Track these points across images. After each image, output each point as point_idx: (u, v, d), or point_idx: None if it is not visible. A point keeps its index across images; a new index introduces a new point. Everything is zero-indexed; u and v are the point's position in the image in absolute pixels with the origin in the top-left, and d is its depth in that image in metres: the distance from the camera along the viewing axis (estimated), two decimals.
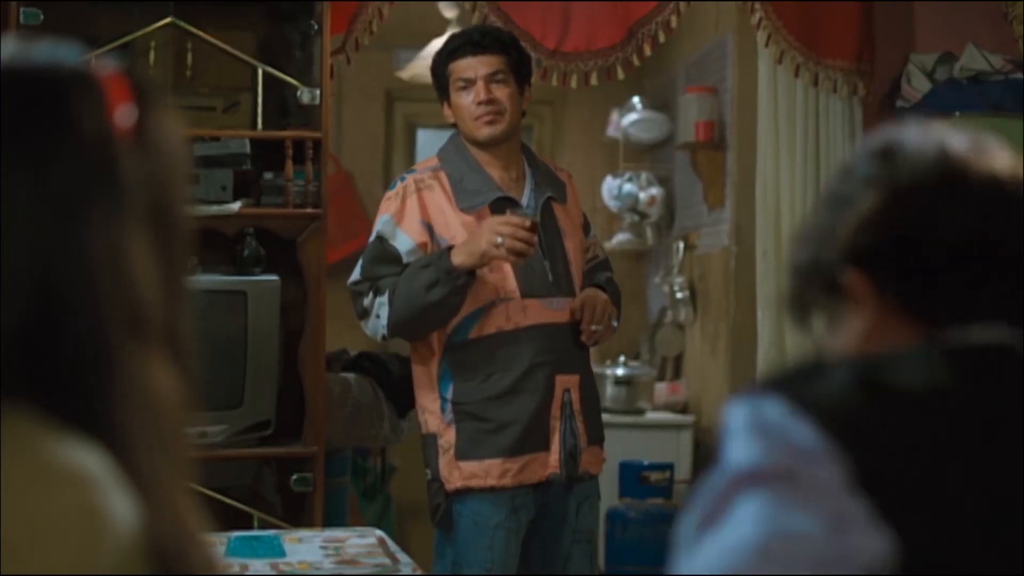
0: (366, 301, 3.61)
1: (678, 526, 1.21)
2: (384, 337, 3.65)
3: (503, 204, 3.64)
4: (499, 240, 3.46)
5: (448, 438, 3.63)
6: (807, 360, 1.32)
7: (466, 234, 3.58)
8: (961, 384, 1.30)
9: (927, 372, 1.33)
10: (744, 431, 1.22)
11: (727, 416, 1.25)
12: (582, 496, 3.72)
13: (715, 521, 1.17)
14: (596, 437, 3.74)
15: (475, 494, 3.59)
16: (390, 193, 3.72)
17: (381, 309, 3.58)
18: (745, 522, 1.14)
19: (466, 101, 3.67)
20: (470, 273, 3.52)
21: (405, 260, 3.60)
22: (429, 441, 3.69)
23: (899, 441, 1.24)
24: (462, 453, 3.61)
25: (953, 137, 1.39)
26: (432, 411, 3.67)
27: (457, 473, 3.61)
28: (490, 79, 3.66)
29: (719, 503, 1.17)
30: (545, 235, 3.68)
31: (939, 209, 1.34)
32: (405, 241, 3.62)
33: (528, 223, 3.50)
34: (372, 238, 3.68)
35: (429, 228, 3.62)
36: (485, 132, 3.66)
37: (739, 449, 1.20)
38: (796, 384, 1.26)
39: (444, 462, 3.64)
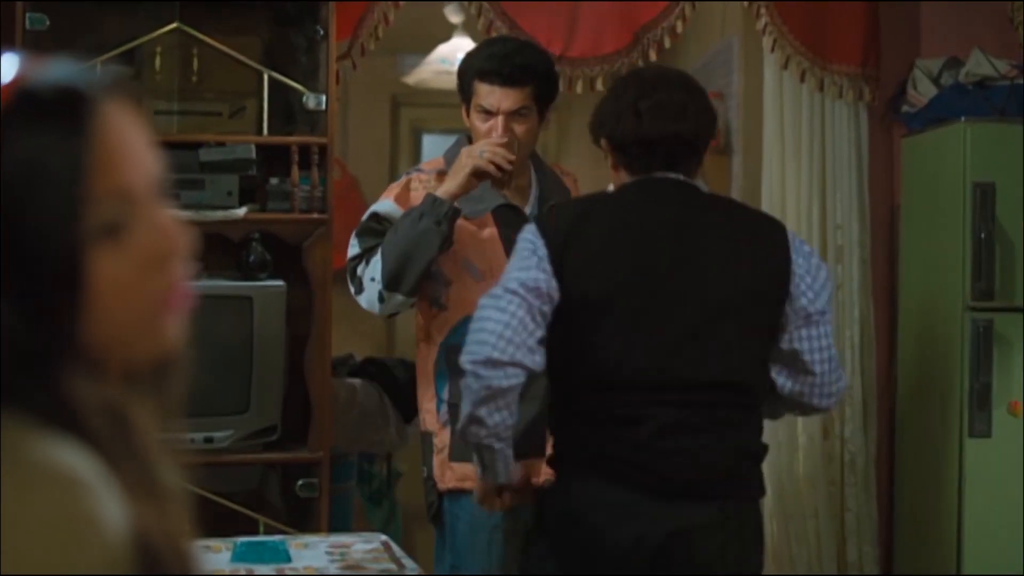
0: (359, 270, 3.58)
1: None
2: (382, 298, 3.56)
3: (506, 211, 3.65)
4: (480, 153, 3.47)
5: (443, 438, 3.64)
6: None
7: (466, 238, 3.59)
8: (623, 192, 3.15)
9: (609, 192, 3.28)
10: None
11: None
12: None
13: None
14: None
15: (470, 496, 3.59)
16: (393, 185, 3.73)
17: (375, 268, 3.54)
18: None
19: (483, 127, 3.60)
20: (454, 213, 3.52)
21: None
22: (426, 439, 3.71)
23: (562, 213, 3.11)
24: (456, 455, 3.60)
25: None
26: (428, 410, 3.69)
27: (450, 474, 3.62)
28: (512, 115, 3.58)
29: None
30: None
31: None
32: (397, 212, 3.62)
33: (504, 140, 3.52)
34: (366, 216, 3.66)
35: None
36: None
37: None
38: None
39: (437, 462, 3.65)
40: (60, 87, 1.10)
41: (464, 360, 2.95)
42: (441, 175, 3.66)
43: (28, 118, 1.08)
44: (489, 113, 3.58)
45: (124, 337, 1.11)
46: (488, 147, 3.49)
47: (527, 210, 3.69)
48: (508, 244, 3.58)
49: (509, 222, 3.62)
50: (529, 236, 3.04)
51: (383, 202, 3.66)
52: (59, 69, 1.12)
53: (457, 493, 3.62)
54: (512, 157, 3.52)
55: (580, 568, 3.01)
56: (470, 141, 3.69)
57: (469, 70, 3.63)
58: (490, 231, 3.63)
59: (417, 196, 3.62)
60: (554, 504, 3.10)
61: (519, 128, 3.60)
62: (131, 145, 1.12)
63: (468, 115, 3.67)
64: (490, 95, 3.57)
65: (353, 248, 3.64)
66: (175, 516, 1.12)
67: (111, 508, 1.01)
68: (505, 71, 3.57)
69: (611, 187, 3.29)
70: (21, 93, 1.08)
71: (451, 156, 3.71)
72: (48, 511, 0.99)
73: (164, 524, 1.09)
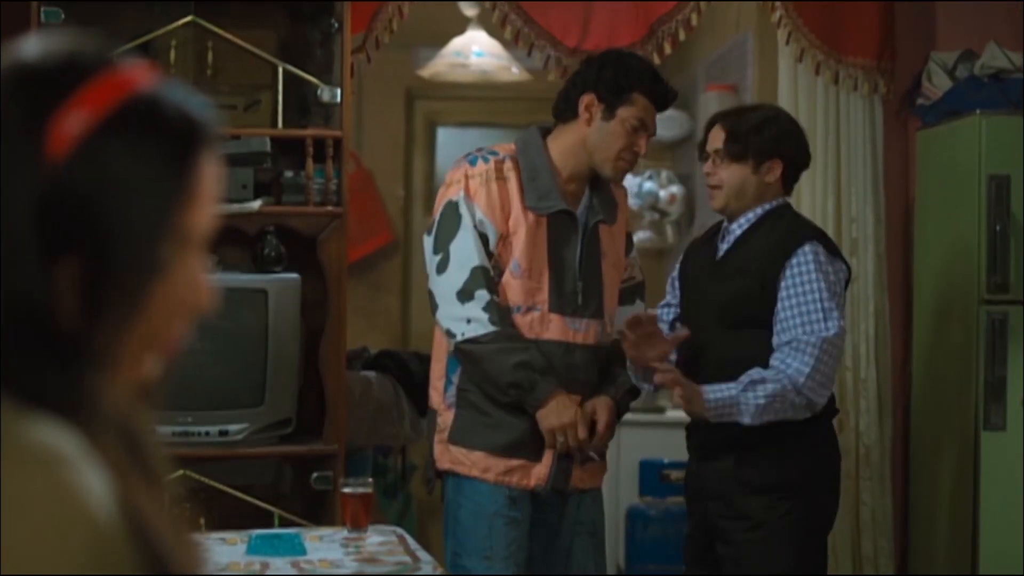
0: (474, 302, 3.56)
1: None
2: (434, 311, 3.64)
3: (562, 216, 3.65)
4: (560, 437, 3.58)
5: (445, 419, 3.68)
6: None
7: (520, 234, 3.61)
8: None
9: None
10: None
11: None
12: (581, 492, 3.74)
13: None
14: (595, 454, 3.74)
15: (472, 483, 3.63)
16: (472, 170, 3.65)
17: (474, 319, 3.56)
18: None
19: (628, 137, 3.67)
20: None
21: (492, 248, 3.59)
22: (431, 416, 3.77)
23: None
24: (454, 438, 3.65)
25: None
26: (436, 387, 3.72)
27: (446, 456, 3.67)
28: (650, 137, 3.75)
29: None
30: (586, 257, 3.69)
31: None
32: (493, 232, 3.60)
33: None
34: (467, 224, 3.60)
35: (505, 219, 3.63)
36: (618, 177, 3.76)
37: None
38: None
39: (436, 440, 3.69)
40: (184, 113, 1.12)
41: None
42: (514, 161, 3.66)
43: (148, 127, 1.09)
44: (643, 129, 3.69)
45: (125, 361, 1.12)
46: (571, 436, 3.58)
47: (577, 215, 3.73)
48: (553, 247, 3.65)
49: (561, 226, 3.66)
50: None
51: (474, 210, 3.60)
52: (182, 92, 1.13)
53: (458, 478, 3.64)
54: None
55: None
56: (543, 135, 3.72)
57: (636, 79, 3.68)
58: (542, 233, 3.64)
59: (503, 188, 3.62)
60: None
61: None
62: (209, 191, 1.14)
63: (604, 111, 3.67)
64: (649, 113, 3.71)
65: (463, 262, 3.59)
66: (163, 499, 1.13)
67: (97, 484, 1.02)
68: (670, 101, 3.80)
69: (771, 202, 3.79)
70: (144, 100, 1.10)
71: (524, 146, 3.71)
72: (34, 490, 0.99)
73: (160, 512, 1.10)
